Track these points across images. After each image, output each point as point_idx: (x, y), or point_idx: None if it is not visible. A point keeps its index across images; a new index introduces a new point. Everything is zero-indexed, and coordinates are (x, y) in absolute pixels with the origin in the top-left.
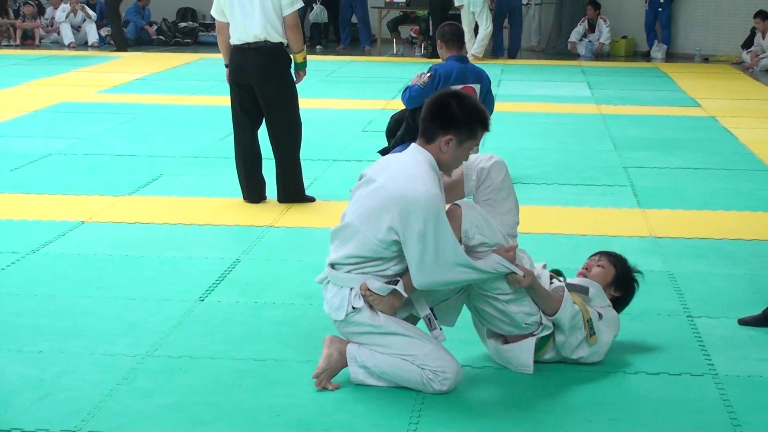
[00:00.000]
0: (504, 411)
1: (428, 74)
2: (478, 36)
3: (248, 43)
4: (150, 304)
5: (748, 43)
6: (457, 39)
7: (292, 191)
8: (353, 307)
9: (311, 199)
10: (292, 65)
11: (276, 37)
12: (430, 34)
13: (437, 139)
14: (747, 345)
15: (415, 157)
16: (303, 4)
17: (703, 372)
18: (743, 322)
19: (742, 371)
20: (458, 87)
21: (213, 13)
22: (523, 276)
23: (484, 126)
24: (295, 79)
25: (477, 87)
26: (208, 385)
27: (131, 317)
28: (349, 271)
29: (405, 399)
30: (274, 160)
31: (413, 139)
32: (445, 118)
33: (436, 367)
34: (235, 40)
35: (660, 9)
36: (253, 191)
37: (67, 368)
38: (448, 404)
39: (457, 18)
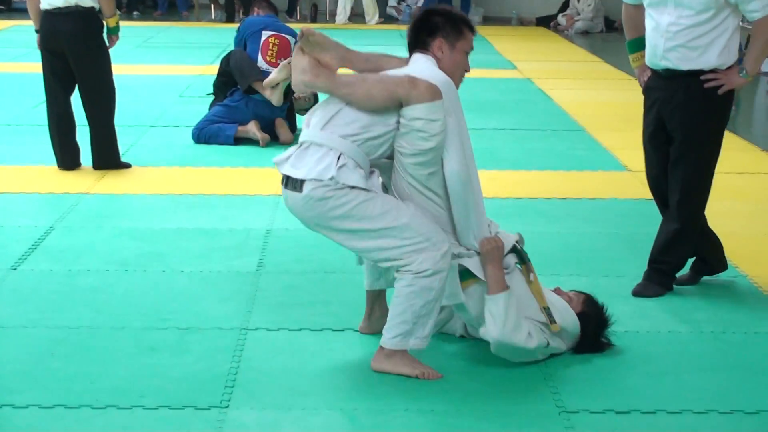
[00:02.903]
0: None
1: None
2: None
3: (59, 8)
4: None
5: (564, 6)
6: (268, 3)
7: (107, 158)
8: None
9: (127, 166)
10: (105, 30)
11: (87, 1)
12: None
13: (430, 47)
14: None
15: (418, 60)
16: None
17: None
18: (678, 282)
19: None
20: (270, 33)
21: None
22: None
23: (468, 24)
24: (108, 44)
25: (291, 39)
26: (20, 354)
27: None
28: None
29: (221, 363)
30: (88, 127)
31: (224, 84)
32: (428, 26)
33: (423, 232)
34: (45, 5)
35: None
36: (68, 158)
37: None
38: (265, 376)
39: None
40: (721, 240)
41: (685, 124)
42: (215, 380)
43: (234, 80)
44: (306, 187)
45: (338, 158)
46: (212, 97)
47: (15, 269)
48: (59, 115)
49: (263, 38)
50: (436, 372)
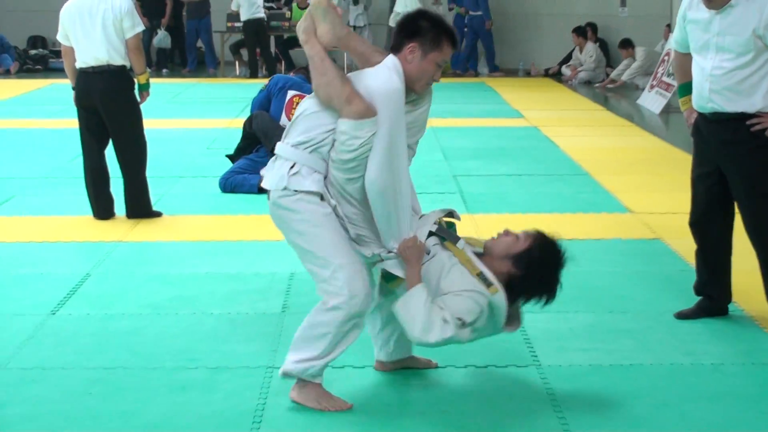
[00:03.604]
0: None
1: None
2: None
3: (92, 67)
4: (2, 319)
5: (567, 58)
6: (307, 70)
7: (140, 207)
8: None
9: (158, 214)
10: (136, 87)
11: (118, 60)
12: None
13: (403, 49)
14: (567, 337)
15: (384, 63)
16: (144, 28)
17: (527, 363)
18: (680, 315)
19: (563, 361)
20: (294, 92)
21: (58, 37)
22: (411, 244)
23: (451, 39)
24: (139, 99)
25: None
26: (59, 394)
27: None
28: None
29: (249, 401)
30: (122, 178)
31: (248, 147)
32: (411, 27)
33: (342, 281)
34: (80, 64)
35: (465, 29)
36: (102, 208)
37: None
38: (290, 412)
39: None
40: None
41: (737, 165)
42: (243, 417)
43: (257, 140)
44: (271, 196)
45: (291, 167)
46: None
47: (54, 314)
48: (94, 168)
49: (288, 97)
50: (344, 402)
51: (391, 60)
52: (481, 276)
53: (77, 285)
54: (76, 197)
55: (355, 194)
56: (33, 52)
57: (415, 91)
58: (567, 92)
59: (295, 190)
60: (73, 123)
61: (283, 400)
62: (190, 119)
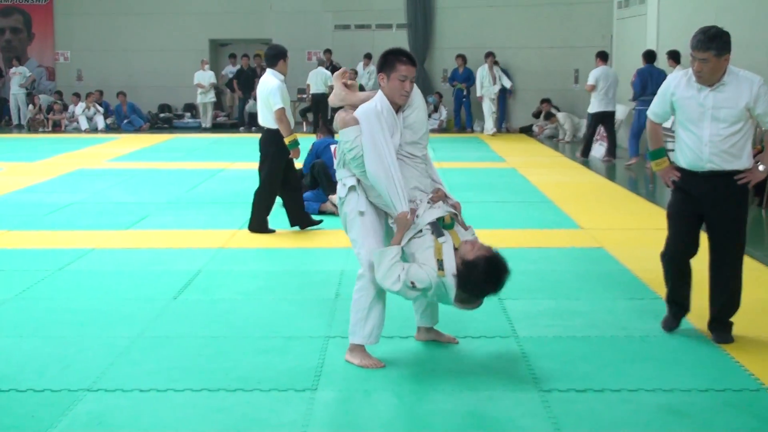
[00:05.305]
0: (383, 373)
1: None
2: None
3: (260, 126)
4: (140, 302)
5: (536, 116)
6: (328, 129)
7: (258, 226)
8: (349, 187)
9: (272, 231)
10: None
11: (267, 124)
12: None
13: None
14: (537, 316)
15: (373, 98)
16: (282, 105)
17: (508, 335)
18: (666, 326)
19: (533, 333)
20: (334, 146)
21: None
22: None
23: (402, 60)
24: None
25: None
26: (179, 355)
27: (127, 310)
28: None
29: (312, 360)
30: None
31: (312, 183)
32: (379, 63)
33: (364, 255)
34: None
35: (464, 99)
36: (293, 219)
37: (81, 347)
38: (341, 368)
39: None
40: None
41: (729, 212)
42: (308, 372)
43: (316, 178)
44: (338, 204)
45: (340, 183)
46: (307, 184)
47: (175, 299)
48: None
49: (332, 150)
50: (379, 362)
51: (377, 93)
52: (439, 262)
53: (192, 278)
54: (191, 216)
55: (367, 183)
56: (161, 115)
57: (397, 104)
58: (536, 144)
59: (344, 197)
60: (189, 165)
61: (335, 360)
62: None
